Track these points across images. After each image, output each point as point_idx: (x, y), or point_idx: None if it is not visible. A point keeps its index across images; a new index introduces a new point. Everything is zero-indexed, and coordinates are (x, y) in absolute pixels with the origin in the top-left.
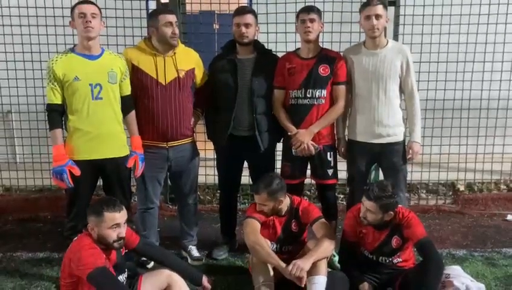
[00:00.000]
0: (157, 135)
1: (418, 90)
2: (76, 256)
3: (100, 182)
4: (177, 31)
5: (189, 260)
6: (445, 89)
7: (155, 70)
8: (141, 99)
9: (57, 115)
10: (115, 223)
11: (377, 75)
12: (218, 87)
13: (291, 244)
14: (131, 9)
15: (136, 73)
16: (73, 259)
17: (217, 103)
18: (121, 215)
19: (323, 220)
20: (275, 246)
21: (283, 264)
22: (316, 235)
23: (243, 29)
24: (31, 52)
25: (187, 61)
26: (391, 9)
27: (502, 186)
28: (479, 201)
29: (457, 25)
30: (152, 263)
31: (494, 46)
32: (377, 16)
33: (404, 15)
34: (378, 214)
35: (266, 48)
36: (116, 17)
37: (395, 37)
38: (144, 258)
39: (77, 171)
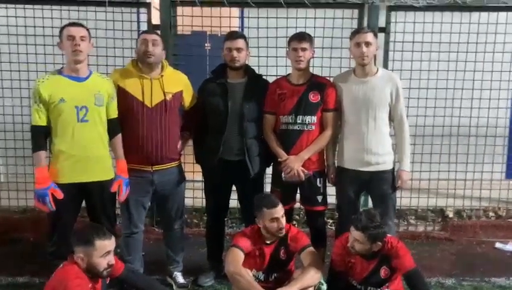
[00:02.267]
0: (142, 158)
1: (408, 116)
2: (62, 285)
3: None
4: (151, 49)
5: (174, 287)
6: (434, 116)
7: (141, 92)
8: (127, 121)
9: (41, 137)
10: (106, 251)
11: (366, 103)
12: (208, 111)
13: (278, 272)
14: (122, 30)
15: (122, 95)
16: (58, 289)
17: (207, 127)
18: (111, 243)
19: (311, 248)
20: (262, 275)
21: None
22: (303, 264)
23: (234, 53)
24: (19, 71)
25: (175, 83)
26: (381, 35)
27: (491, 214)
28: (468, 228)
29: (447, 52)
30: None
31: (482, 74)
32: (367, 44)
33: (394, 42)
34: (366, 244)
35: (257, 72)
36: (106, 38)
37: (385, 63)
38: None
39: (60, 195)
